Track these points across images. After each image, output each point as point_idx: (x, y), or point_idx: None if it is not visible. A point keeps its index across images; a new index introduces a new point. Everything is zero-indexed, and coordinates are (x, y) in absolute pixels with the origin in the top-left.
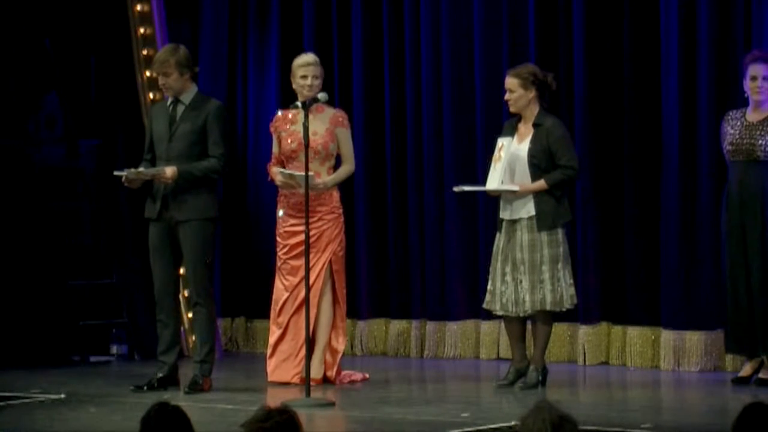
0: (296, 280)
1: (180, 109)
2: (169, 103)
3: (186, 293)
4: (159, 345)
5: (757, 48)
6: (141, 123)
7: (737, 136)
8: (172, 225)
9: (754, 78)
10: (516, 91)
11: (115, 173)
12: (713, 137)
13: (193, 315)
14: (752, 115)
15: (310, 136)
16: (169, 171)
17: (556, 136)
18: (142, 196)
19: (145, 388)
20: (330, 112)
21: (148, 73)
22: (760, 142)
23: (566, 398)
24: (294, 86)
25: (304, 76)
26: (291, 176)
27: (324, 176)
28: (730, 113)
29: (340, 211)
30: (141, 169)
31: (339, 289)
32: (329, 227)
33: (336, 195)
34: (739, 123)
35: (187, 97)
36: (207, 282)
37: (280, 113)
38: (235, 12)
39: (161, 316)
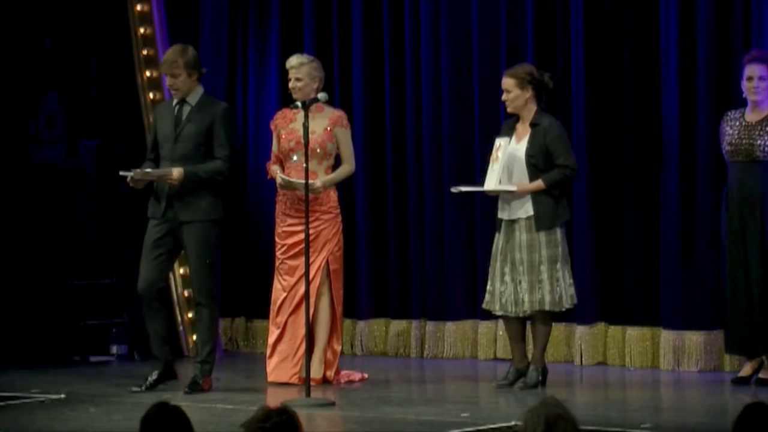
0: (293, 280)
1: (186, 109)
2: (174, 103)
3: (184, 293)
4: (153, 342)
5: (756, 48)
6: (141, 123)
7: (736, 137)
8: (174, 225)
9: (750, 78)
10: (512, 91)
11: (121, 173)
12: (713, 137)
13: (195, 315)
14: (751, 115)
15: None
16: (176, 172)
17: (553, 135)
18: (142, 195)
19: (143, 388)
20: (329, 111)
21: (148, 73)
22: (758, 142)
23: (566, 398)
24: None
25: (289, 78)
26: (290, 182)
27: (321, 176)
28: (729, 113)
29: (338, 211)
30: (148, 170)
31: (336, 290)
32: (326, 227)
33: (333, 195)
34: (738, 123)
35: (193, 98)
36: (210, 283)
37: (280, 111)
38: (235, 12)
39: (149, 312)
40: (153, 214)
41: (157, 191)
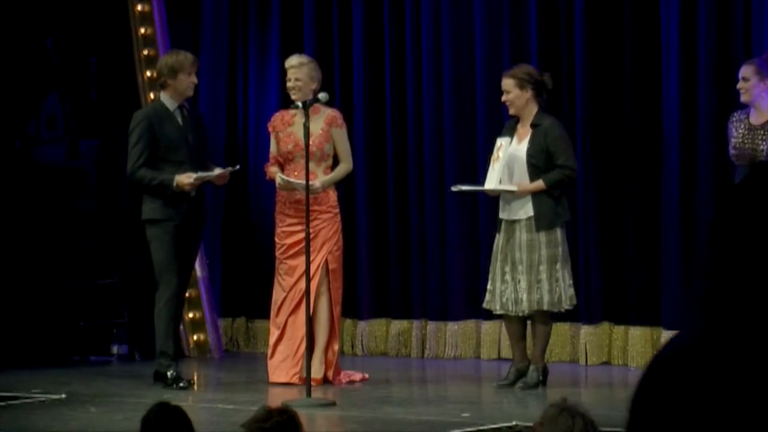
0: (293, 280)
1: (185, 114)
2: (174, 108)
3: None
4: (172, 341)
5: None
6: None
7: (740, 141)
8: (187, 226)
9: (740, 79)
10: (512, 91)
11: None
12: (713, 137)
13: (178, 312)
14: (755, 117)
15: None
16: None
17: (554, 136)
18: (141, 195)
19: (173, 384)
20: (325, 112)
21: (148, 73)
22: (762, 146)
23: (568, 398)
24: None
25: (288, 78)
26: (289, 182)
27: (320, 176)
28: (735, 114)
29: (337, 210)
30: (218, 170)
31: (334, 290)
32: (325, 227)
33: (332, 195)
34: (742, 125)
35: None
36: None
37: (277, 113)
38: (235, 12)
39: (177, 312)
40: (181, 216)
41: (176, 194)
